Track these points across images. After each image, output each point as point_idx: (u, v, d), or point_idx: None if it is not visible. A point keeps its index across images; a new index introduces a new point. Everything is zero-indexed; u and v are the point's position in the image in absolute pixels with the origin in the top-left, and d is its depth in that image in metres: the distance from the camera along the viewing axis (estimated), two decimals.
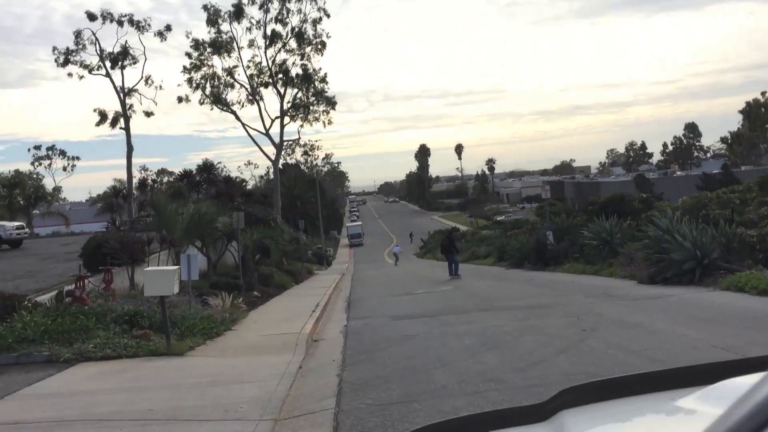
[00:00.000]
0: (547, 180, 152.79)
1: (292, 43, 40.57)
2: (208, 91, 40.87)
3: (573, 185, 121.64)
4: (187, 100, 40.91)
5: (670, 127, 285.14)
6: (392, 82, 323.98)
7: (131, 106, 44.56)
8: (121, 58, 43.20)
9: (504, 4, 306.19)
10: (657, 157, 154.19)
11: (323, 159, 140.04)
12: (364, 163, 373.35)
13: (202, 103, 41.76)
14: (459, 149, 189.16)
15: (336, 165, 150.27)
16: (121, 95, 43.96)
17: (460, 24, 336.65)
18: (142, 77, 44.29)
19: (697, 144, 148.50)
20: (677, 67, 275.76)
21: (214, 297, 15.03)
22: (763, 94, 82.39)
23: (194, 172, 25.14)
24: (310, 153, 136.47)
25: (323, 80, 40.06)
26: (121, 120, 44.02)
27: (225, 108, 40.85)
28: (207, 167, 25.10)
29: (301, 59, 40.52)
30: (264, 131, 40.62)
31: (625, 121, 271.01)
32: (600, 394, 1.43)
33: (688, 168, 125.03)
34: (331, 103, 40.05)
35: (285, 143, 41.98)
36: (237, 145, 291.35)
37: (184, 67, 41.40)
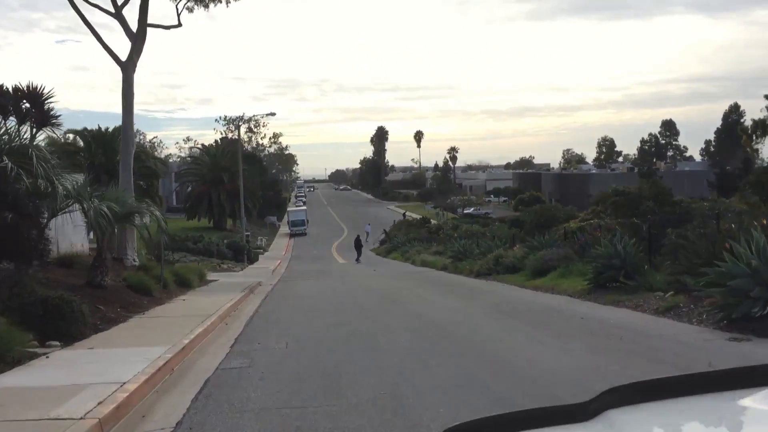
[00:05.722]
0: (517, 172, 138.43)
1: None
2: None
3: (552, 178, 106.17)
4: None
5: (617, 132, 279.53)
6: (345, 73, 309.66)
7: None
8: None
9: (457, 2, 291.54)
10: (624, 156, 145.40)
11: (270, 139, 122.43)
12: (316, 152, 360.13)
13: None
14: (419, 136, 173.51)
15: (284, 147, 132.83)
16: None
17: (413, 18, 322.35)
18: None
19: (673, 143, 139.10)
20: (624, 74, 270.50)
21: None
22: None
23: None
24: (255, 130, 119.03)
25: None
26: None
27: None
28: None
29: None
30: (113, 10, 21.57)
31: (574, 125, 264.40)
32: (644, 395, 1.38)
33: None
34: None
35: (151, 28, 21.70)
36: (185, 127, 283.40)
37: None
